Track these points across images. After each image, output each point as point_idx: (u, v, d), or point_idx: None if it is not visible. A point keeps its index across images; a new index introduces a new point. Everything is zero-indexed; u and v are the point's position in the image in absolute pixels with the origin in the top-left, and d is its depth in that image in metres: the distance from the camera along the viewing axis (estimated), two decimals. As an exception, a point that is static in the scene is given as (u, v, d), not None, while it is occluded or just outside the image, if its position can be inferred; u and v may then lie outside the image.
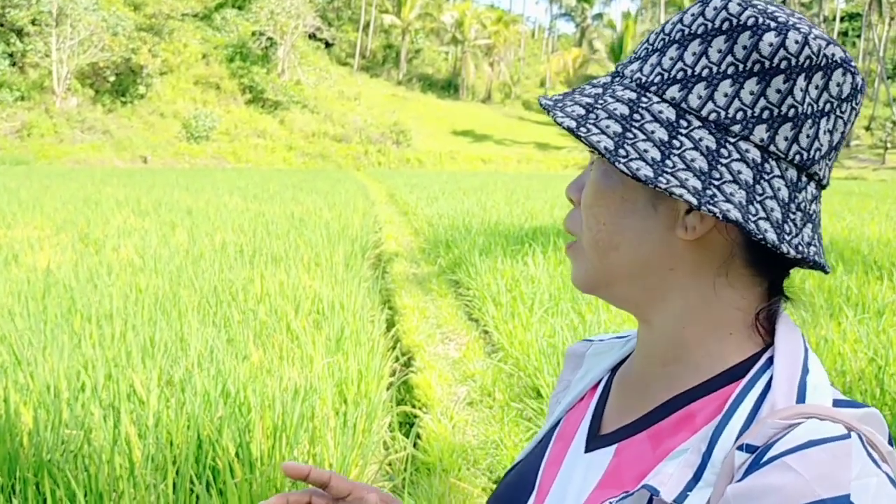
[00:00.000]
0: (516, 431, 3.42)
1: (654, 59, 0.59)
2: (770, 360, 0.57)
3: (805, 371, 0.55)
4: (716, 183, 0.53)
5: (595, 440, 0.65)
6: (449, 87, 66.24)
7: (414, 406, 3.81)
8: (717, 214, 0.51)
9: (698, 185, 0.52)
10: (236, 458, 2.56)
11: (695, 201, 0.51)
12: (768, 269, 0.59)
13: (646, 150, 0.54)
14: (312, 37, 56.82)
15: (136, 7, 45.51)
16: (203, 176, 25.57)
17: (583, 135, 0.55)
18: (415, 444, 3.30)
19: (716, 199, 0.52)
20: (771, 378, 0.55)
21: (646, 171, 0.53)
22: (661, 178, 0.52)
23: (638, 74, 0.59)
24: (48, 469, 2.46)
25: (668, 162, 0.53)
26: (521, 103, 66.19)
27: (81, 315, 4.47)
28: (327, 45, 61.76)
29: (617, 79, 0.60)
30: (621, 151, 0.54)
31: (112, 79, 43.28)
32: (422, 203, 14.00)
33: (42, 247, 7.25)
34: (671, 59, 0.57)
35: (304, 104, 50.41)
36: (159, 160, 39.80)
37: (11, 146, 37.90)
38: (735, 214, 0.52)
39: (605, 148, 0.54)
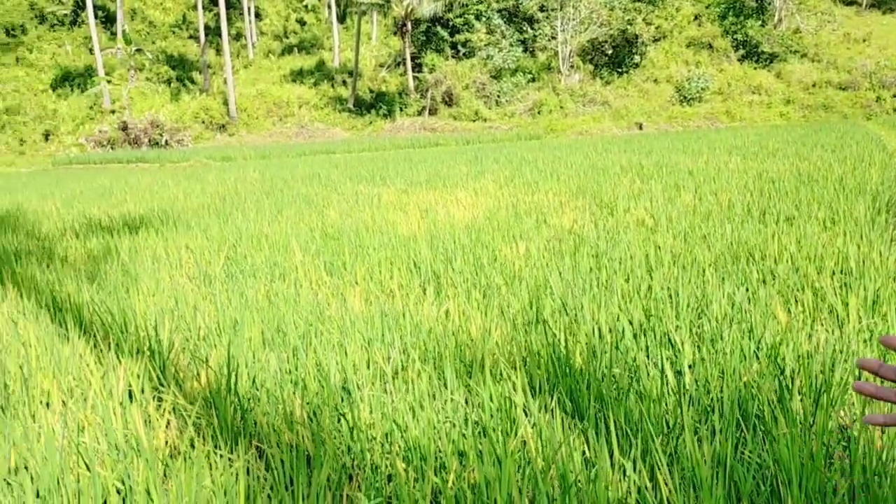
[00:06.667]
0: None
1: None
2: None
3: None
4: None
5: None
6: None
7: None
8: None
9: None
10: (778, 410, 2.57)
11: None
12: None
13: None
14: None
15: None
16: (697, 138, 25.49)
17: None
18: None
19: None
20: None
21: None
22: None
23: None
24: (605, 401, 2.78)
25: None
26: None
27: (607, 269, 4.90)
28: (832, -17, 55.77)
29: None
30: None
31: (609, 52, 45.74)
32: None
33: (563, 210, 8.09)
34: None
35: (803, 53, 46.56)
36: (653, 125, 40.86)
37: (525, 123, 42.89)
38: None
39: None
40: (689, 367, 3.09)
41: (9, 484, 2.44)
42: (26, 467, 2.51)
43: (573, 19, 45.58)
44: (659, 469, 2.21)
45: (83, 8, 52.56)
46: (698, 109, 43.05)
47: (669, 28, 47.97)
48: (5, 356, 3.60)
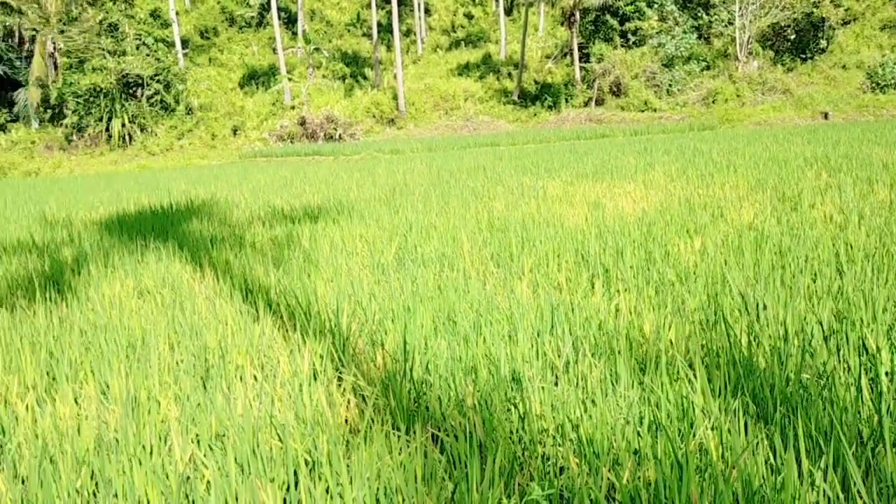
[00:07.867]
0: None
1: None
2: None
3: None
4: None
5: None
6: None
7: None
8: None
9: None
10: None
11: None
12: None
13: None
14: None
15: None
16: (892, 128, 23.37)
17: None
18: None
19: None
20: None
21: None
22: None
23: None
24: (792, 406, 2.63)
25: None
26: None
27: (791, 267, 4.62)
28: None
29: None
30: None
31: (792, 37, 42.90)
32: None
33: (742, 204, 7.70)
34: None
35: None
36: (840, 114, 37.89)
37: (698, 113, 41.13)
38: None
39: None
40: (887, 374, 2.87)
41: (211, 448, 2.67)
42: (226, 435, 2.74)
43: (753, 3, 43.10)
44: (853, 481, 2.07)
45: (268, 10, 56.09)
46: (893, 98, 39.43)
47: (861, 10, 44.24)
48: (206, 333, 3.93)
